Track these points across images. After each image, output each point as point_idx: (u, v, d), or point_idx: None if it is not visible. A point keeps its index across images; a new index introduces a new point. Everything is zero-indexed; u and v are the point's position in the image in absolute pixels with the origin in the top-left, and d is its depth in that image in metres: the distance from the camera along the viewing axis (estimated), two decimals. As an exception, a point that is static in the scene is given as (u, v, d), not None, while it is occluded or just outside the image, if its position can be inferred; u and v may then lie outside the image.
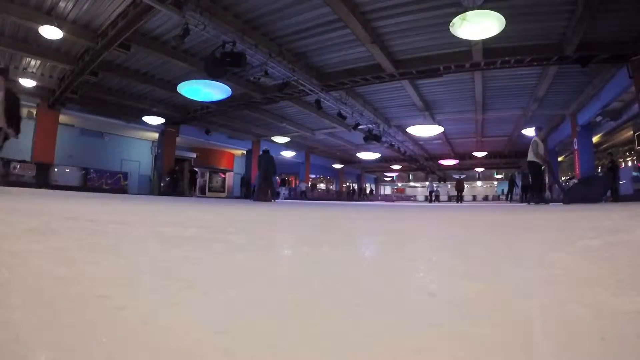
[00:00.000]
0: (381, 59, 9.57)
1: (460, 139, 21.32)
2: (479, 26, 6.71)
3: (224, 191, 24.90)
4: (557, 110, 13.86)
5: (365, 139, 17.08)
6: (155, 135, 18.02)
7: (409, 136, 19.70)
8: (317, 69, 11.01)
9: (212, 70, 8.29)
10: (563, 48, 8.61)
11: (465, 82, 11.72)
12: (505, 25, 6.66)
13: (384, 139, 17.99)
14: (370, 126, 16.06)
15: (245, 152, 24.08)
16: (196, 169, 19.27)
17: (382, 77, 10.55)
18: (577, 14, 7.27)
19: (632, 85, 9.05)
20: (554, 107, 13.45)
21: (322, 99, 12.12)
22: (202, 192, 22.66)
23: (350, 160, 31.22)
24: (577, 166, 13.54)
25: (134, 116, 15.00)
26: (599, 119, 12.09)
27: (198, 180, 20.15)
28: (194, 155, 21.30)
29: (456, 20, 6.61)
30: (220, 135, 20.88)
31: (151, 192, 17.79)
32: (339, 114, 13.47)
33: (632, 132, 13.17)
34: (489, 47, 8.82)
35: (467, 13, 6.48)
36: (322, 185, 33.49)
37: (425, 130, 16.68)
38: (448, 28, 6.94)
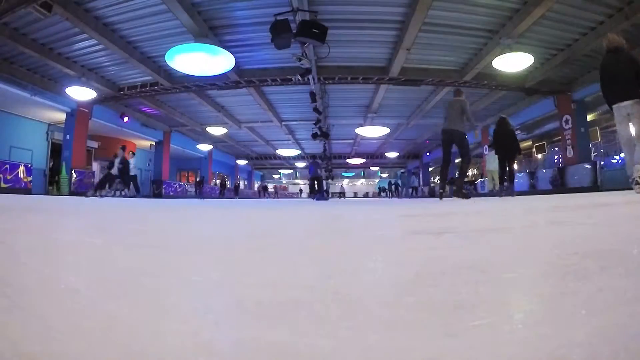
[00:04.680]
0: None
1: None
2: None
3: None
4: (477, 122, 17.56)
5: (314, 135, 17.28)
6: (52, 116, 13.21)
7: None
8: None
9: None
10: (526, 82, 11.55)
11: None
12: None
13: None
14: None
15: (154, 143, 20.26)
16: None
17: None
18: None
19: (553, 110, 12.82)
20: (478, 119, 17.04)
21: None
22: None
23: (249, 157, 31.47)
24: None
25: (46, 85, 10.62)
26: (517, 132, 16.16)
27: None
28: (95, 144, 16.63)
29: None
30: (134, 122, 17.02)
31: (46, 192, 12.88)
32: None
33: (531, 143, 18.27)
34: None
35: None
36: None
37: (372, 131, 18.19)
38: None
